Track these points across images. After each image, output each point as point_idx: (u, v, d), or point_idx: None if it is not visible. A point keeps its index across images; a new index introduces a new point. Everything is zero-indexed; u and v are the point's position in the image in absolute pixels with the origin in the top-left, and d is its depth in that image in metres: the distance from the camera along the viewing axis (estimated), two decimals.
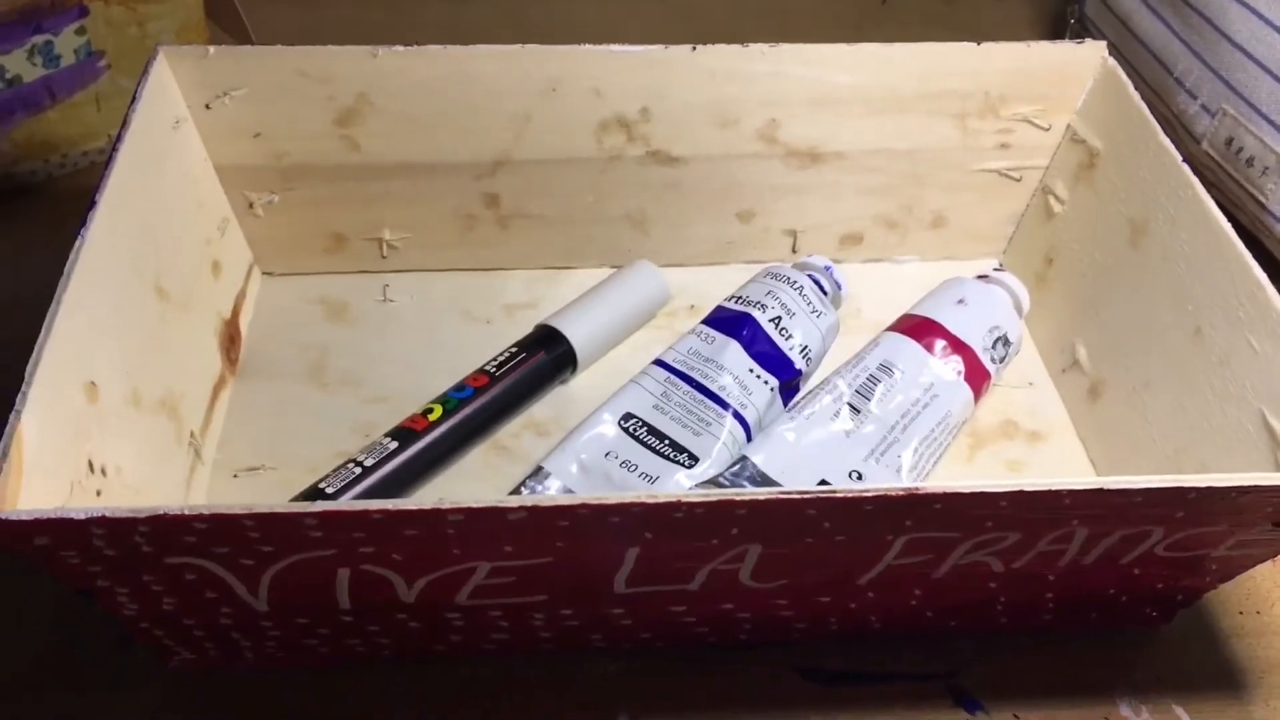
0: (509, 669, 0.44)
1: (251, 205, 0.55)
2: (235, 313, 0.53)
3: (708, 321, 0.52)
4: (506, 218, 0.57)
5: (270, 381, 0.52)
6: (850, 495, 0.36)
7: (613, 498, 0.35)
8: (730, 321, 0.51)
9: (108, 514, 0.33)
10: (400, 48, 0.52)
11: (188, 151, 0.52)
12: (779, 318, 0.51)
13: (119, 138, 0.46)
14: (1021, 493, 0.36)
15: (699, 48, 0.53)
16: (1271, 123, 0.59)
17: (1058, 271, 0.57)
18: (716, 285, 0.57)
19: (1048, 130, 0.57)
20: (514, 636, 0.42)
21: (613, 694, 0.43)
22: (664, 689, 0.44)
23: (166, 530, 0.34)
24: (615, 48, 0.53)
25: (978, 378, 0.51)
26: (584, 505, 0.35)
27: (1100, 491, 0.37)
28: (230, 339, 0.52)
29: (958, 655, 0.45)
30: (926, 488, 0.36)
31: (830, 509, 0.36)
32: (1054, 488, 0.37)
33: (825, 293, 0.54)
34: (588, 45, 0.53)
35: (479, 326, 0.56)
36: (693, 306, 0.57)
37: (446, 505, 0.34)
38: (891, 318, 0.56)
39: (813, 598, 0.42)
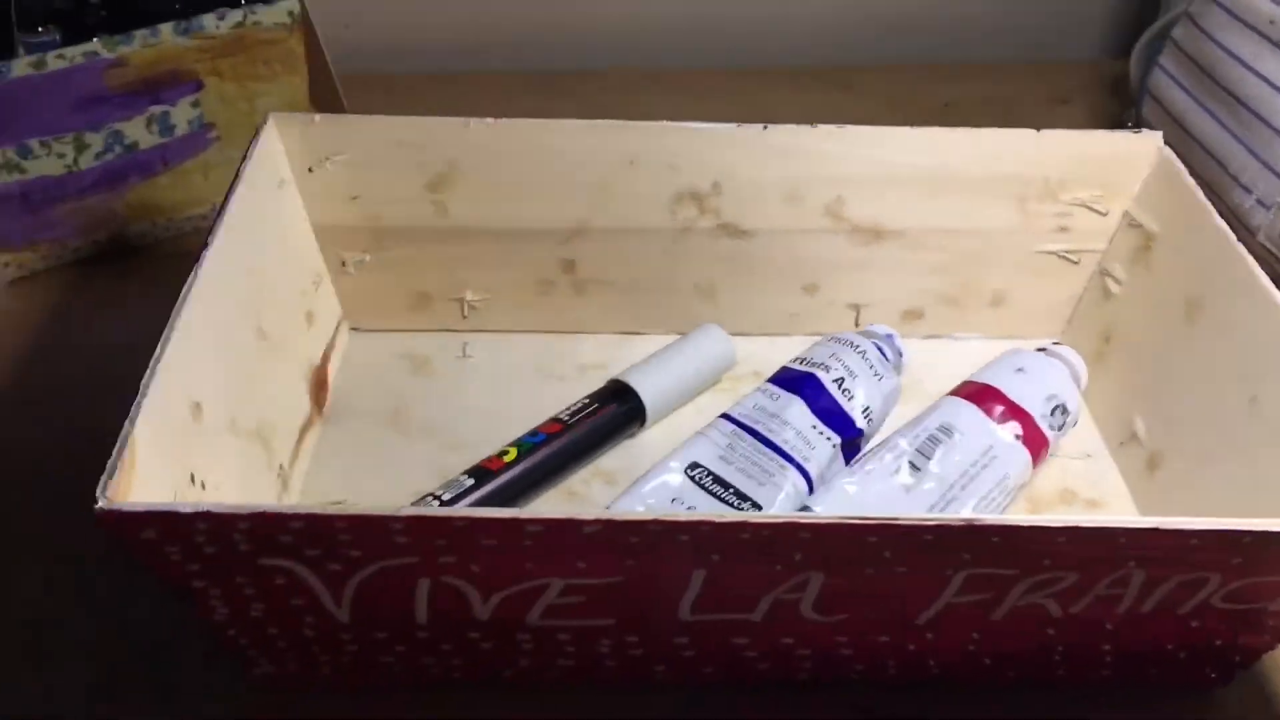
0: (572, 709, 0.45)
1: (344, 264, 0.59)
2: (325, 361, 0.57)
3: (773, 380, 0.54)
4: (582, 283, 0.60)
5: (354, 426, 0.55)
6: (911, 524, 0.37)
7: (683, 515, 0.37)
8: (795, 380, 0.53)
9: (212, 509, 0.36)
10: (490, 120, 0.56)
11: (289, 210, 0.56)
12: (842, 378, 0.53)
13: (230, 192, 0.49)
14: (1078, 529, 0.38)
15: (770, 127, 0.57)
16: None
17: (1115, 349, 0.58)
18: (781, 355, 0.59)
19: (1105, 215, 0.59)
20: (580, 664, 0.44)
21: None
22: None
23: (265, 528, 0.36)
24: (691, 125, 0.56)
25: (1036, 443, 0.52)
26: (655, 521, 0.36)
27: (1155, 531, 0.38)
28: (319, 384, 0.55)
29: (1013, 715, 0.46)
30: (986, 519, 0.37)
31: (892, 536, 0.37)
32: (1110, 525, 0.38)
33: (887, 358, 0.56)
34: (665, 122, 0.56)
35: (553, 383, 0.58)
36: (757, 373, 0.59)
37: (525, 515, 0.36)
38: None
39: (872, 636, 0.43)
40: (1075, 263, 0.61)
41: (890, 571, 0.39)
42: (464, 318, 0.61)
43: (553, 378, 0.58)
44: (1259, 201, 0.65)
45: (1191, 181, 0.56)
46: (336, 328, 0.59)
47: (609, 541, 0.37)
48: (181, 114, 0.64)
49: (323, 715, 0.44)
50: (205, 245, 0.46)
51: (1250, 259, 0.51)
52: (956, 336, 0.63)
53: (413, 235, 0.58)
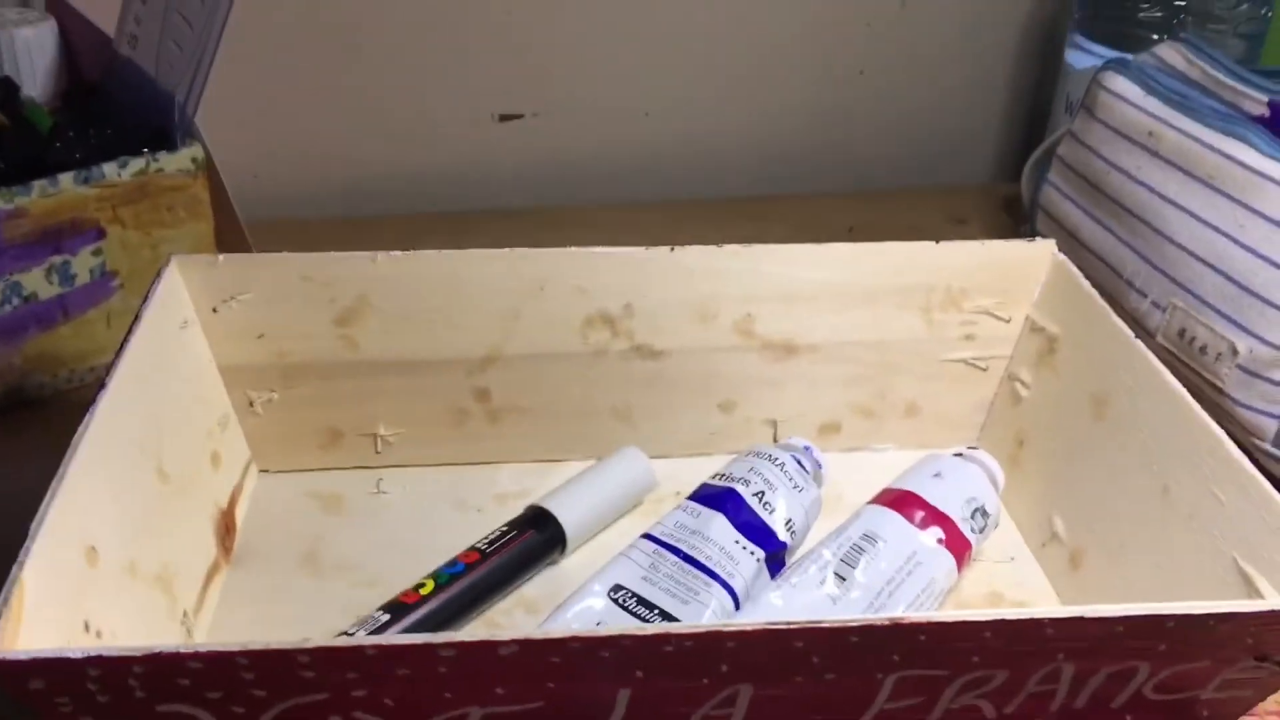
0: None
1: (251, 404, 0.57)
2: (232, 504, 0.55)
3: (694, 497, 0.53)
4: (497, 411, 0.59)
5: (263, 569, 0.53)
6: (837, 626, 0.36)
7: (602, 631, 0.36)
8: (715, 497, 0.53)
9: (104, 653, 0.34)
10: (398, 253, 0.56)
11: (193, 350, 0.55)
12: (762, 492, 0.53)
13: (129, 334, 0.48)
14: (1004, 621, 0.37)
15: (677, 248, 0.57)
16: (1219, 313, 0.62)
17: (1029, 452, 0.59)
18: (701, 474, 0.58)
19: (1008, 321, 0.61)
20: None
21: None
22: None
23: (162, 671, 0.34)
24: (598, 250, 0.57)
25: (959, 546, 0.52)
26: (574, 638, 0.35)
27: (1080, 620, 0.38)
28: (226, 528, 0.53)
29: None
30: (911, 617, 0.37)
31: (818, 640, 0.37)
32: (1036, 616, 0.37)
33: (806, 470, 0.55)
34: (573, 247, 0.57)
35: (471, 514, 0.57)
36: (678, 493, 0.59)
37: (438, 639, 0.35)
38: None
39: None
40: (983, 369, 0.62)
41: (820, 679, 0.38)
42: (377, 453, 0.59)
43: (470, 509, 0.57)
44: (1154, 303, 0.67)
45: (1086, 284, 0.57)
46: (244, 470, 0.57)
47: (528, 663, 0.36)
48: (82, 263, 0.63)
49: None
50: (102, 387, 0.45)
51: (1149, 353, 0.52)
52: (874, 448, 0.63)
53: (321, 371, 0.57)
